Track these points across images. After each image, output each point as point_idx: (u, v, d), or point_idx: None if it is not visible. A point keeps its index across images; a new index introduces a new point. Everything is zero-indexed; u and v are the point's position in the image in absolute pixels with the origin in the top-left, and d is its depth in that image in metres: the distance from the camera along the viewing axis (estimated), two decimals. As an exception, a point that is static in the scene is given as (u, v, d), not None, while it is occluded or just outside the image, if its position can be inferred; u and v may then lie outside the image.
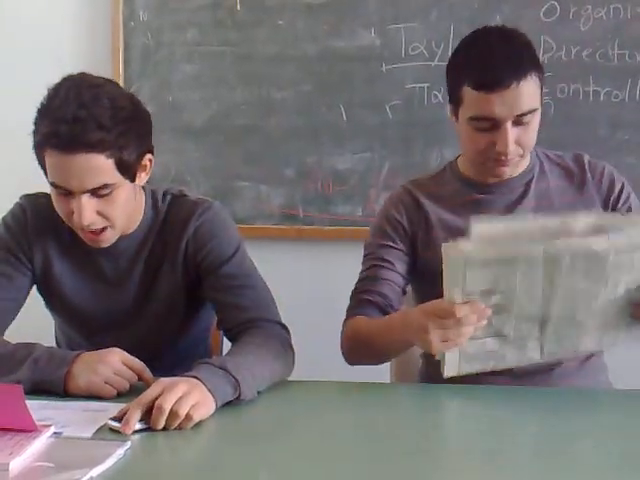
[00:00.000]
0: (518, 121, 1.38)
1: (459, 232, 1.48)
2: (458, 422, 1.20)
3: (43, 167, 1.33)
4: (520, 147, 1.41)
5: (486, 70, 1.36)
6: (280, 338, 1.39)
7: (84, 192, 1.30)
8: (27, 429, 1.05)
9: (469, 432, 1.15)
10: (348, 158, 2.39)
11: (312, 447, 1.08)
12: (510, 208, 1.49)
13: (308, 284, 2.36)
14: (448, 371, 1.24)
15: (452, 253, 1.15)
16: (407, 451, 1.06)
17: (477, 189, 1.51)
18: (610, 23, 2.28)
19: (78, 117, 1.26)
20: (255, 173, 2.43)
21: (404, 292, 1.53)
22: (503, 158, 1.41)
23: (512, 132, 1.38)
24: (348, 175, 2.40)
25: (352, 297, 1.51)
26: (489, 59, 1.37)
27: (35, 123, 1.31)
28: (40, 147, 1.31)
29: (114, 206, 1.34)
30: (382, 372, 1.66)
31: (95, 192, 1.31)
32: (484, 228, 1.15)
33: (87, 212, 1.31)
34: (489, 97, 1.36)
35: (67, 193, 1.31)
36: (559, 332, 1.27)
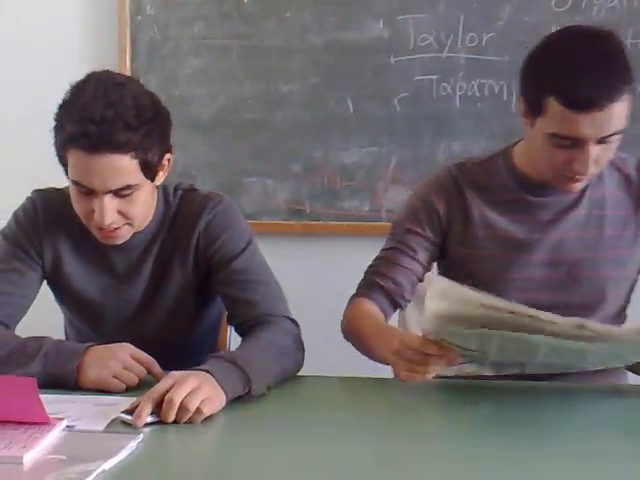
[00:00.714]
0: (602, 141, 1.28)
1: (500, 232, 1.41)
2: (467, 419, 1.18)
3: (64, 165, 1.31)
4: (598, 165, 1.32)
5: (578, 88, 1.24)
6: (291, 334, 1.39)
7: (107, 192, 1.29)
8: (40, 422, 1.05)
9: (478, 429, 1.13)
10: (355, 152, 2.37)
11: (321, 442, 1.07)
12: (559, 216, 1.41)
13: (315, 279, 2.34)
14: None
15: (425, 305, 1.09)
16: (415, 448, 1.06)
17: (529, 189, 1.41)
18: (624, 11, 2.24)
19: (106, 117, 1.24)
20: (262, 168, 2.41)
21: (420, 280, 1.48)
22: (578, 177, 1.33)
23: (594, 151, 1.28)
24: (355, 169, 2.38)
25: (366, 274, 1.48)
26: (581, 75, 1.25)
27: (57, 120, 1.29)
28: (64, 146, 1.28)
29: (135, 206, 1.33)
30: (390, 367, 1.65)
31: (117, 192, 1.30)
32: (459, 290, 1.08)
33: (109, 212, 1.30)
34: (578, 117, 1.25)
35: (89, 192, 1.30)
36: (539, 369, 1.23)
